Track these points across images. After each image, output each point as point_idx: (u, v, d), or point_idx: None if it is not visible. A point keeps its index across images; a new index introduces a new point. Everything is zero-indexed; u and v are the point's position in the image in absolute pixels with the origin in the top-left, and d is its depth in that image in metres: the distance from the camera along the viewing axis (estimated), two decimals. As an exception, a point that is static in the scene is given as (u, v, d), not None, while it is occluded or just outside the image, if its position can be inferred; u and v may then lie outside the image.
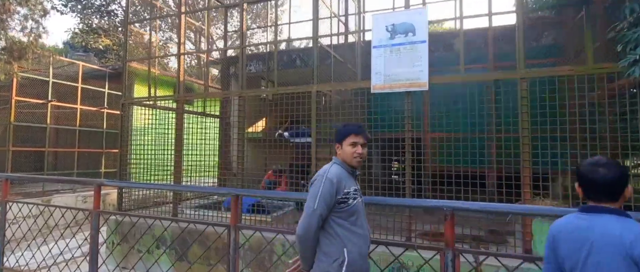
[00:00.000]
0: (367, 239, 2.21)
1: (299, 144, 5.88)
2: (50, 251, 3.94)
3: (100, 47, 15.38)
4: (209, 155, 6.89)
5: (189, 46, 18.40)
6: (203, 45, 13.49)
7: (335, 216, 2.07)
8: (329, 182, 2.04)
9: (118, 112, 6.35)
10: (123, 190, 6.01)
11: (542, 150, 3.93)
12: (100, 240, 3.95)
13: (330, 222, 2.06)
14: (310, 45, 8.00)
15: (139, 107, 6.25)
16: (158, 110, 6.16)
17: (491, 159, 6.41)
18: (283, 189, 7.87)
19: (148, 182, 6.02)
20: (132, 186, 5.56)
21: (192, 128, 6.19)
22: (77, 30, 15.85)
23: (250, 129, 9.96)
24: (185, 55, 19.99)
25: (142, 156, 6.01)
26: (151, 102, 6.08)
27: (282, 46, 9.82)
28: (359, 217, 2.15)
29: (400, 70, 4.18)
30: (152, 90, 6.08)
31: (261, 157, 8.77)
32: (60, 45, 18.72)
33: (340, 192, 2.07)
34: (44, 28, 7.37)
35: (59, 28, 36.20)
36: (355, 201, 2.14)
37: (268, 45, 9.47)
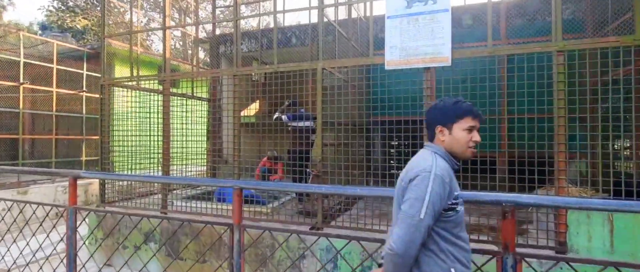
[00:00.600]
0: (471, 255, 1.72)
1: (299, 128, 5.40)
2: (28, 244, 3.41)
3: (78, 27, 14.40)
4: (198, 141, 6.37)
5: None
6: (188, 27, 12.72)
7: (440, 227, 1.58)
8: (441, 181, 1.54)
9: (98, 96, 5.73)
10: (105, 180, 5.45)
11: (571, 132, 3.55)
12: (82, 234, 3.45)
13: (432, 234, 1.58)
14: (306, 22, 7.43)
15: (121, 90, 5.64)
16: (142, 92, 5.57)
17: (502, 143, 6.06)
18: (280, 177, 7.41)
19: (132, 171, 5.48)
20: (113, 178, 5.01)
21: (178, 112, 5.64)
22: (51, 8, 14.78)
23: (242, 113, 9.40)
24: (171, 36, 19.10)
25: (126, 142, 5.45)
26: (133, 83, 5.48)
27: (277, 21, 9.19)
28: (463, 228, 1.68)
29: (418, 43, 3.70)
30: (135, 71, 5.47)
31: (255, 143, 8.26)
32: (36, 27, 17.57)
33: (451, 195, 1.58)
34: (10, 1, 6.58)
35: (34, 7, 34.29)
36: (462, 207, 1.67)
37: (260, 23, 8.82)
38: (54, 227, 3.38)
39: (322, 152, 4.09)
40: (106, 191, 5.46)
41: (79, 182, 6.93)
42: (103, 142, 5.40)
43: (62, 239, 3.19)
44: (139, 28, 6.01)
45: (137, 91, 5.59)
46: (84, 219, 3.17)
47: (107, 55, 5.63)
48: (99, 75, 5.66)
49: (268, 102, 5.45)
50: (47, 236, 3.45)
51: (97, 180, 6.91)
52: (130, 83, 5.41)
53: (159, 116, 5.16)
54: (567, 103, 3.45)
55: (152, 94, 5.47)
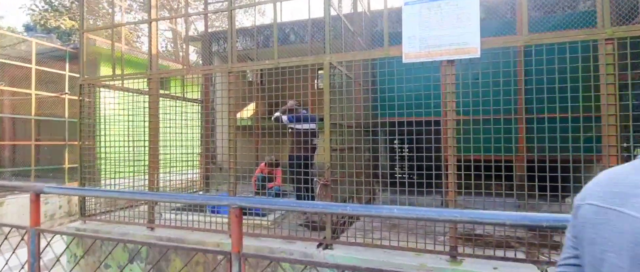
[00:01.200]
0: None
1: (300, 131, 4.89)
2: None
3: (63, 27, 13.75)
4: (188, 146, 5.84)
5: (163, 27, 16.91)
6: (179, 26, 12.15)
7: None
8: None
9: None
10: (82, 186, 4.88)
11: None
12: (60, 249, 2.90)
13: None
14: (305, 17, 6.94)
15: (108, 91, 5.08)
16: (131, 94, 5.03)
17: (518, 146, 5.61)
18: (278, 184, 6.88)
19: (119, 179, 4.92)
20: (82, 193, 4.42)
21: (169, 115, 5.10)
22: (34, 7, 14.10)
23: (237, 115, 8.87)
24: (160, 35, 18.31)
25: (113, 148, 4.89)
26: (118, 83, 4.94)
27: (273, 16, 8.65)
28: None
29: (442, 32, 3.23)
30: (119, 69, 4.92)
31: (252, 147, 7.73)
32: (20, 28, 16.84)
33: None
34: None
35: (17, 8, 33.26)
36: None
37: (255, 18, 8.28)
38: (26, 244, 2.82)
39: (330, 158, 3.59)
40: (87, 203, 4.90)
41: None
42: (82, 148, 4.84)
43: (48, 244, 2.64)
44: (121, 22, 5.47)
45: (125, 93, 5.06)
46: (48, 244, 2.62)
47: (92, 55, 5.09)
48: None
49: (266, 103, 4.91)
50: (6, 262, 2.89)
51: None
52: (112, 82, 4.86)
53: (148, 119, 4.62)
54: (596, 100, 3.01)
55: (139, 95, 4.93)
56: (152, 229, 4.45)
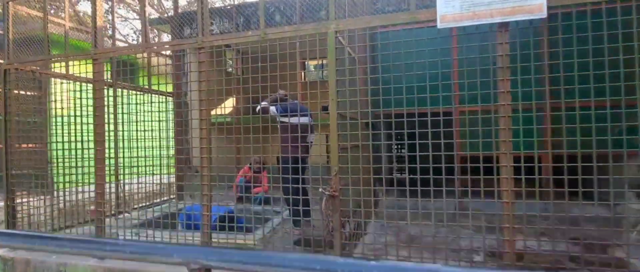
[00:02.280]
0: None
1: (293, 125, 3.93)
2: None
3: None
4: (158, 147, 4.79)
5: (132, 15, 15.55)
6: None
7: None
8: None
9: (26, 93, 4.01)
10: (11, 203, 3.77)
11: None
12: None
13: None
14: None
15: (64, 83, 3.97)
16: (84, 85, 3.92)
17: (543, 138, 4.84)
18: (264, 189, 5.89)
19: (68, 187, 3.82)
20: None
21: (135, 111, 4.06)
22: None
23: (215, 112, 7.83)
24: (124, 24, 16.83)
25: (68, 151, 3.79)
26: (58, 68, 3.85)
27: None
28: None
29: (494, -16, 2.33)
30: (56, 50, 3.83)
31: (231, 147, 6.71)
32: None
33: None
34: None
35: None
36: None
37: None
38: None
39: (338, 160, 2.64)
40: (18, 215, 3.80)
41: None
42: (8, 151, 3.74)
43: None
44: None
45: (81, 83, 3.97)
46: None
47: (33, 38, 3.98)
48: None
49: (250, 97, 3.86)
50: None
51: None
52: (57, 69, 3.76)
53: (117, 114, 3.58)
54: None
55: (86, 84, 3.84)
56: (102, 258, 3.40)
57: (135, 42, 14.44)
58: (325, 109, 2.74)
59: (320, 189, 2.60)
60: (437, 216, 4.41)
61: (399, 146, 7.44)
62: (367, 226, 3.98)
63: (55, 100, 4.01)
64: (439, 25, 2.48)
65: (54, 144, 4.19)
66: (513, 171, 2.39)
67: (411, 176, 2.62)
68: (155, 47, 3.31)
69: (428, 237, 3.73)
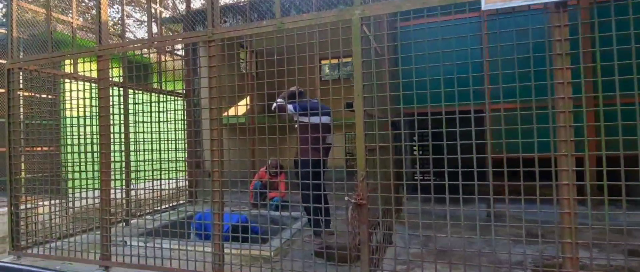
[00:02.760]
0: None
1: (311, 125, 3.62)
2: None
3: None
4: (170, 150, 4.55)
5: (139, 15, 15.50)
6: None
7: None
8: None
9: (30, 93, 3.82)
10: (15, 209, 3.58)
11: None
12: None
13: None
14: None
15: (78, 84, 3.77)
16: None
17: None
18: (281, 194, 5.60)
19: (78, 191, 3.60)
20: None
21: (146, 111, 3.83)
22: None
23: (228, 112, 7.59)
24: (130, 21, 16.79)
25: (77, 153, 3.58)
26: (66, 67, 3.65)
27: None
28: None
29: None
30: (64, 49, 3.62)
31: (245, 149, 6.45)
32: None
33: None
34: None
35: None
36: None
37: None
38: None
39: (365, 163, 2.32)
40: (28, 226, 3.61)
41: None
42: (11, 155, 3.55)
43: None
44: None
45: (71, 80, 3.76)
46: None
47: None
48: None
49: (265, 95, 3.50)
50: None
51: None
52: (65, 68, 3.56)
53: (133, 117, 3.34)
54: None
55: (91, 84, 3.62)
56: (107, 268, 3.16)
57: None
58: (349, 106, 2.42)
59: (345, 198, 2.27)
60: (468, 224, 4.03)
61: (422, 148, 7.05)
62: (391, 235, 3.64)
63: (63, 101, 3.82)
64: (484, 6, 2.13)
65: (65, 147, 3.99)
66: (575, 176, 2.02)
67: (436, 181, 2.25)
68: (164, 42, 3.05)
69: (461, 249, 3.36)
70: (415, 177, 7.03)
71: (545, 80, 2.09)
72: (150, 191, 4.29)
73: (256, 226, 4.02)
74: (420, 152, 7.35)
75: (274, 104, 3.76)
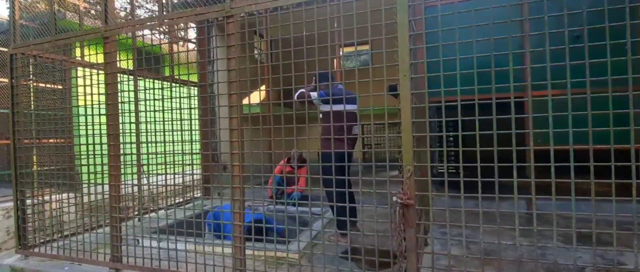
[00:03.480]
0: None
1: (337, 114, 3.27)
2: None
3: None
4: (183, 142, 4.25)
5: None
6: None
7: None
8: None
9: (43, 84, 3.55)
10: (22, 205, 3.33)
11: None
12: None
13: None
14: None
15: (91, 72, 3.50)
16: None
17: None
18: (301, 189, 5.29)
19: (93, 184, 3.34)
20: None
21: (157, 101, 3.52)
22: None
23: (247, 101, 7.29)
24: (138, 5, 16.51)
25: (93, 146, 3.32)
26: (75, 54, 3.37)
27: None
28: None
29: None
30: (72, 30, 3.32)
31: (263, 141, 6.12)
32: None
33: None
34: None
35: None
36: None
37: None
38: None
39: (413, 155, 1.96)
40: (35, 222, 3.37)
41: (4, 204, 4.71)
42: (16, 147, 3.30)
43: None
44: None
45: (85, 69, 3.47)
46: None
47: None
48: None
49: (281, 83, 3.13)
50: None
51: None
52: (74, 55, 3.27)
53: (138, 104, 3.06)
54: None
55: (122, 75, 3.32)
56: (117, 270, 2.89)
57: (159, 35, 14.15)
58: (393, 88, 2.06)
59: (394, 198, 1.92)
60: (507, 221, 3.64)
61: (453, 139, 6.63)
62: (426, 230, 3.28)
63: (69, 88, 3.55)
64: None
65: (77, 139, 3.73)
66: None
67: (471, 178, 1.86)
68: (175, 20, 2.73)
69: (511, 251, 2.99)
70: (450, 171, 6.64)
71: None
72: (164, 185, 4.03)
73: (279, 226, 3.72)
74: (459, 144, 6.93)
75: (298, 93, 3.42)
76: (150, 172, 3.76)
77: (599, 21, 1.75)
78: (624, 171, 1.76)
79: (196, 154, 5.03)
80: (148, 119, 3.36)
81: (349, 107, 3.40)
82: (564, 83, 1.79)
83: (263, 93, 8.05)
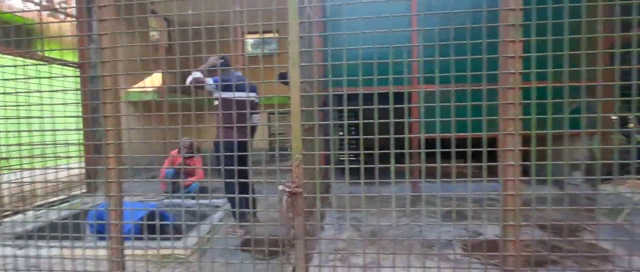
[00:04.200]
0: None
1: (234, 102, 3.14)
2: None
3: None
4: (58, 132, 3.66)
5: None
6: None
7: None
8: None
9: None
10: None
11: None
12: None
13: None
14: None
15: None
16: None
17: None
18: (198, 179, 5.01)
19: None
20: None
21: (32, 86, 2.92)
22: None
23: (134, 87, 6.63)
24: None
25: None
26: None
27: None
28: None
29: None
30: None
31: (154, 130, 5.64)
32: None
33: None
34: None
35: None
36: None
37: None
38: None
39: (301, 144, 1.97)
40: None
41: None
42: None
43: None
44: None
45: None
46: None
47: None
48: None
49: (178, 72, 2.82)
50: None
51: None
52: None
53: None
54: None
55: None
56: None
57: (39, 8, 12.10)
58: (283, 77, 2.03)
59: (280, 187, 1.91)
60: (397, 204, 3.97)
61: (350, 127, 6.94)
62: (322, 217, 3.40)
63: None
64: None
65: None
66: (521, 156, 1.93)
67: (367, 165, 1.99)
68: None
69: (393, 230, 3.25)
70: (342, 159, 6.95)
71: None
72: (31, 182, 3.42)
73: (167, 214, 3.46)
74: (352, 132, 7.26)
75: (190, 78, 3.18)
76: (10, 165, 3.19)
77: (478, 21, 1.95)
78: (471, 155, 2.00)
79: (73, 144, 4.40)
80: (7, 103, 2.80)
81: (247, 94, 3.30)
82: (434, 78, 1.96)
83: (158, 77, 7.40)
